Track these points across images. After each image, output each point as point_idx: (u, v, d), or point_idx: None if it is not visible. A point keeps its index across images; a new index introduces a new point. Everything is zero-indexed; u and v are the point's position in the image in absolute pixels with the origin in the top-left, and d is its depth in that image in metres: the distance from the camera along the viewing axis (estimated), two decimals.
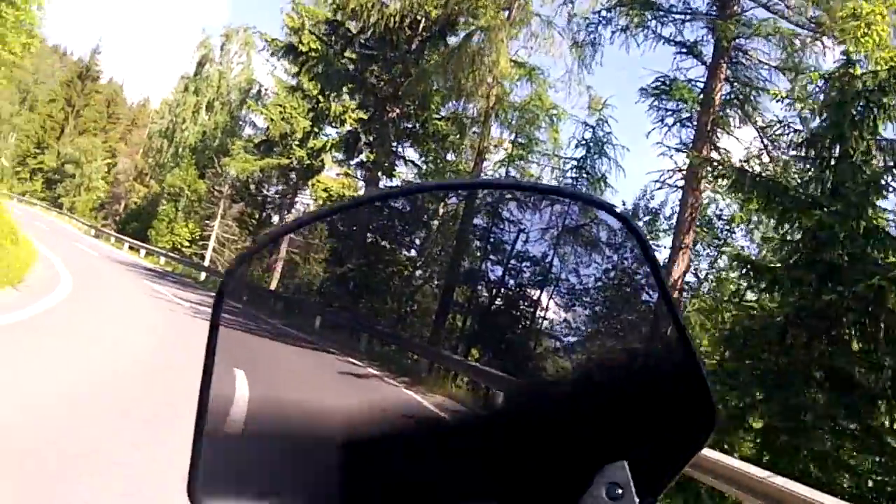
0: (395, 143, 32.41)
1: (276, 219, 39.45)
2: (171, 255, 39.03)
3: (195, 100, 47.05)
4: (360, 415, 1.13)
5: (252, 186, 40.45)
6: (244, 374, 1.02)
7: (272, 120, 37.61)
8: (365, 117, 32.66)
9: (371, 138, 32.50)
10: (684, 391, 0.96)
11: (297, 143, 37.61)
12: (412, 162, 33.77)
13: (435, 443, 1.02)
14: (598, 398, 1.07)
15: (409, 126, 31.65)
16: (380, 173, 32.42)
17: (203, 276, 34.47)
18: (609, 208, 1.07)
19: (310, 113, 37.79)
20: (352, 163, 34.43)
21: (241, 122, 45.90)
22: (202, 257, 39.82)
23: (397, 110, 31.53)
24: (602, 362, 1.27)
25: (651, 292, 1.11)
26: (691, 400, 0.94)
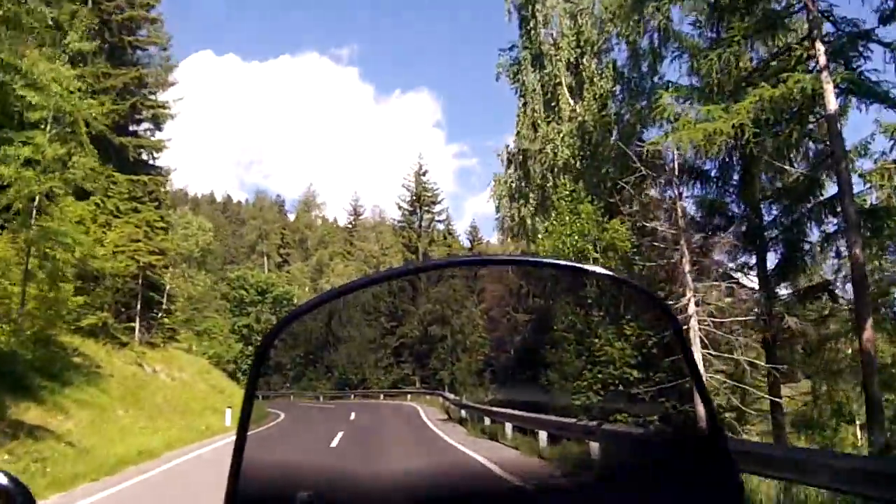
0: None
1: None
2: None
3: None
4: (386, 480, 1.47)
5: None
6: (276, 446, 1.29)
7: None
8: None
9: None
10: (713, 471, 0.96)
11: None
12: None
13: None
14: (628, 472, 1.17)
15: None
16: None
17: None
18: (647, 293, 1.16)
19: None
20: None
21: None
22: None
23: None
24: (632, 437, 1.42)
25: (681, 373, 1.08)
26: (719, 479, 0.94)
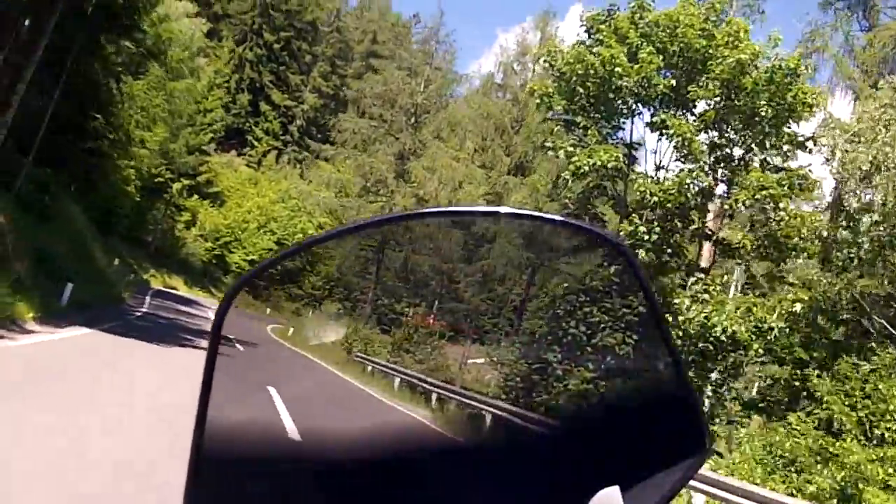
0: None
1: None
2: None
3: None
4: (353, 441, 1.13)
5: None
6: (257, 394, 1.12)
7: None
8: None
9: None
10: (676, 417, 0.94)
11: None
12: None
13: (425, 468, 0.99)
14: (590, 423, 1.04)
15: None
16: None
17: None
18: (603, 236, 1.05)
19: None
20: None
21: None
22: None
23: None
24: (594, 388, 1.28)
25: (644, 319, 1.05)
26: (683, 425, 0.92)
